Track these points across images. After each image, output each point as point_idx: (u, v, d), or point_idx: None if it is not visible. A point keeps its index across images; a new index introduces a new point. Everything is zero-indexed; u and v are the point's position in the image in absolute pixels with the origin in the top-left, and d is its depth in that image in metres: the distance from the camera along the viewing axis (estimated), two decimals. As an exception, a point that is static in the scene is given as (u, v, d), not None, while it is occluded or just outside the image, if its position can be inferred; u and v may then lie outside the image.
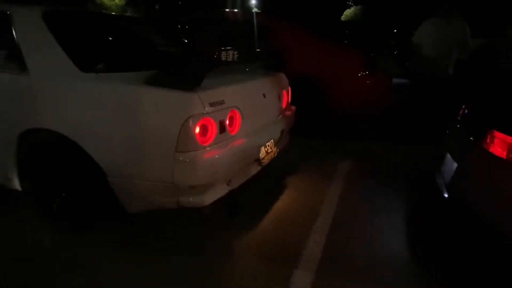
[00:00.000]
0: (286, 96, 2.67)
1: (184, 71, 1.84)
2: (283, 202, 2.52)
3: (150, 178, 1.72)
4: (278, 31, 4.14)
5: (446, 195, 1.96)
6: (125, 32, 2.71)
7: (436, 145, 2.37)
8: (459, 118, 2.25)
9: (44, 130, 1.84)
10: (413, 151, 3.54)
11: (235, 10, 4.90)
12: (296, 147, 3.05)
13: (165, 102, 1.66)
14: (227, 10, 4.95)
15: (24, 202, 2.13)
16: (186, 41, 3.21)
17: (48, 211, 2.03)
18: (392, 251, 1.99)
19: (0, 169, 2.09)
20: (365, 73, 3.88)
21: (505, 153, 1.53)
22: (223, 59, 4.13)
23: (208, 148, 1.70)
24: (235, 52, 4.13)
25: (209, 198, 1.78)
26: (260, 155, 2.15)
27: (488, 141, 1.65)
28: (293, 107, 2.82)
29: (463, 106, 2.25)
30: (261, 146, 2.17)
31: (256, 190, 2.42)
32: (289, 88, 2.74)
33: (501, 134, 1.57)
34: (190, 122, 1.60)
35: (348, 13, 25.57)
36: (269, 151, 2.26)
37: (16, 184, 2.06)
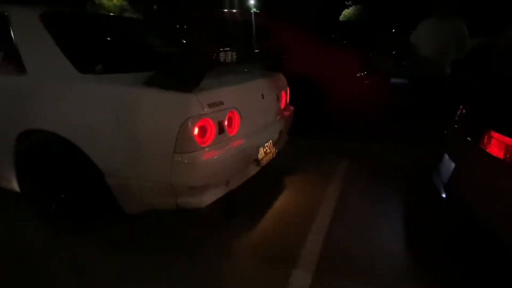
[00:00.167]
0: (285, 97, 2.67)
1: (183, 72, 1.85)
2: (282, 203, 2.53)
3: (148, 179, 1.73)
4: (277, 31, 4.14)
5: (443, 195, 1.97)
6: (123, 33, 2.71)
7: (435, 144, 2.38)
8: (456, 118, 2.26)
9: (42, 131, 1.84)
10: (411, 151, 3.55)
11: (234, 11, 4.90)
12: (294, 147, 3.06)
13: (163, 103, 1.66)
14: (225, 10, 4.95)
15: (23, 203, 2.13)
16: (184, 41, 3.21)
17: (46, 212, 2.03)
18: (390, 251, 1.99)
19: (-1, 171, 2.09)
20: (364, 73, 3.89)
21: (502, 153, 1.54)
22: (222, 60, 4.14)
23: (207, 149, 1.71)
24: (234, 53, 4.14)
25: (208, 199, 1.78)
26: (259, 155, 2.15)
27: (485, 141, 1.65)
28: (292, 108, 2.83)
29: (461, 106, 2.26)
30: (259, 146, 2.17)
31: (255, 191, 2.42)
32: (288, 89, 2.74)
33: (498, 135, 1.58)
34: (189, 123, 1.61)
35: (346, 13, 25.58)
36: (267, 152, 2.27)
37: (15, 185, 2.06)
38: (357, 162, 3.37)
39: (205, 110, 1.67)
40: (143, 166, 1.72)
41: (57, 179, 1.96)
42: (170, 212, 1.80)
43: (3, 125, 1.97)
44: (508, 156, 1.52)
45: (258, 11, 12.04)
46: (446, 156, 2.07)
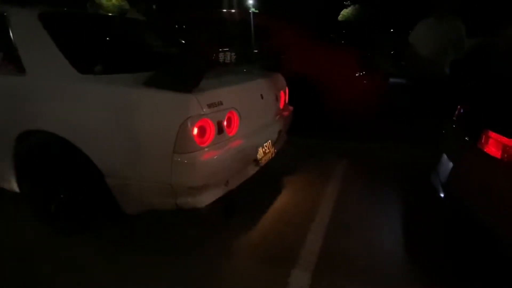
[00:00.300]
0: (284, 97, 2.68)
1: (182, 72, 1.85)
2: (281, 203, 2.53)
3: (148, 179, 1.73)
4: (276, 31, 4.15)
5: (442, 195, 1.98)
6: (122, 33, 2.71)
7: (434, 144, 2.39)
8: (454, 118, 2.27)
9: (42, 131, 1.84)
10: (410, 151, 3.56)
11: (233, 11, 4.90)
12: (293, 147, 3.06)
13: (163, 104, 1.67)
14: (224, 10, 4.96)
15: (22, 204, 2.13)
16: (183, 41, 3.21)
17: (46, 212, 2.03)
18: (389, 251, 2.00)
19: (-2, 171, 2.09)
20: (362, 73, 3.90)
21: (499, 153, 1.55)
22: (221, 60, 4.14)
23: (206, 149, 1.71)
24: (233, 53, 4.14)
25: (207, 199, 1.79)
26: (258, 155, 2.16)
27: (483, 141, 1.66)
28: (291, 108, 2.84)
29: (459, 106, 2.27)
30: (258, 146, 2.18)
31: (254, 191, 2.42)
32: (287, 89, 2.75)
33: (496, 135, 1.59)
34: (188, 124, 1.61)
35: (345, 13, 25.58)
36: (266, 152, 2.27)
37: (14, 186, 2.07)
38: (356, 162, 3.38)
39: (204, 110, 1.67)
40: (143, 166, 1.73)
41: (57, 180, 1.96)
42: (170, 212, 1.81)
43: (2, 126, 1.97)
44: (505, 156, 1.52)
45: (257, 11, 12.05)
46: (444, 156, 2.08)
